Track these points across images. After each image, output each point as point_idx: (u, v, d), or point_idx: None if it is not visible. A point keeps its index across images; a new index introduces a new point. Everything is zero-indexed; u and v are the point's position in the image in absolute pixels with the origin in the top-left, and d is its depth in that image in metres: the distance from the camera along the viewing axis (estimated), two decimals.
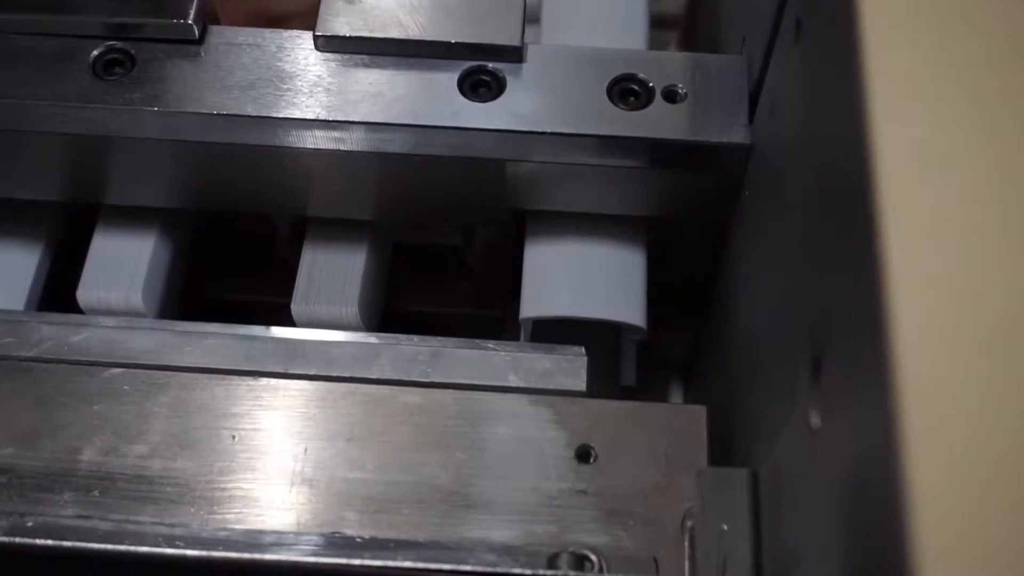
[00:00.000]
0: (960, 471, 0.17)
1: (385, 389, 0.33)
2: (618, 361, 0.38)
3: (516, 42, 0.33)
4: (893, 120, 0.20)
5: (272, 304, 0.39)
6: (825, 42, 0.24)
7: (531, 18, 0.50)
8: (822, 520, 0.22)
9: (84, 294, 0.36)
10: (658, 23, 0.48)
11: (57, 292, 0.38)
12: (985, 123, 0.19)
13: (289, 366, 0.34)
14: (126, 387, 0.33)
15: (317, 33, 0.33)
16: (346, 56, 0.33)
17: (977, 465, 0.17)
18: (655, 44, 0.48)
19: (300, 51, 0.33)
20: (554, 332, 0.36)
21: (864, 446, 0.19)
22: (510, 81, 0.33)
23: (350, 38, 0.33)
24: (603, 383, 0.37)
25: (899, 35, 0.21)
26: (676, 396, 0.44)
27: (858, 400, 0.20)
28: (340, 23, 0.33)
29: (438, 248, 0.41)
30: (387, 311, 0.40)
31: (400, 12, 0.33)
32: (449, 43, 0.33)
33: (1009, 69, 0.20)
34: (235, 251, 0.42)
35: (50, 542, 0.31)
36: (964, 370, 0.17)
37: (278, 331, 0.35)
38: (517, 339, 0.37)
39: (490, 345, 0.34)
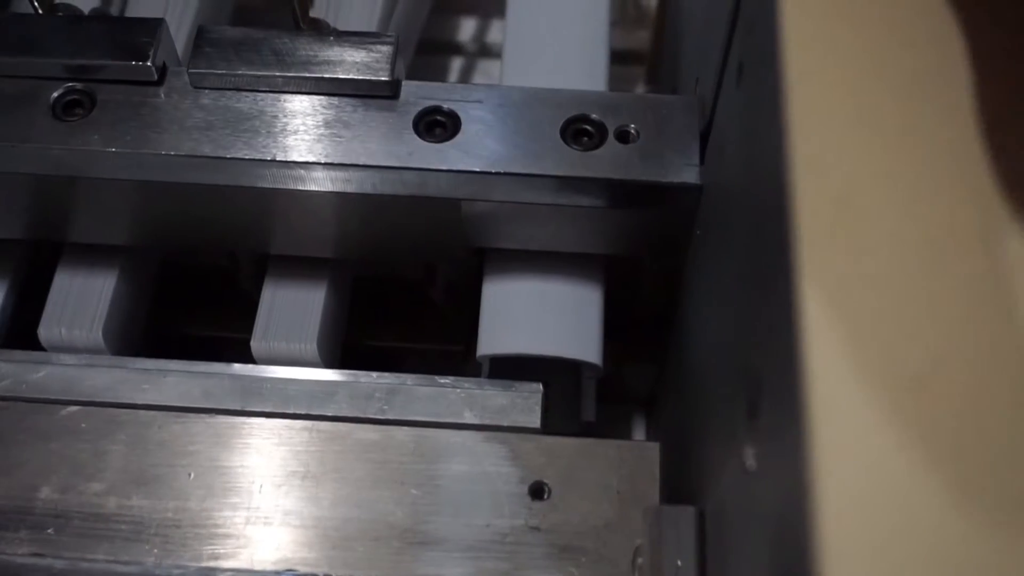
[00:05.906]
0: (869, 524, 0.17)
1: (342, 426, 0.34)
2: (578, 396, 0.39)
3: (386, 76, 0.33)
4: (813, 169, 0.20)
5: (235, 339, 0.39)
6: (760, 86, 0.25)
7: (496, 55, 0.50)
8: (754, 564, 0.22)
9: (46, 331, 0.37)
10: (624, 59, 0.49)
11: (20, 329, 0.38)
12: (902, 174, 0.20)
13: (246, 403, 0.34)
14: (83, 425, 0.34)
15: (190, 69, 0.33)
16: (302, 96, 0.33)
17: (886, 520, 0.17)
18: (621, 80, 0.49)
19: (257, 92, 0.34)
20: (515, 368, 0.36)
21: (786, 492, 0.19)
22: (465, 122, 0.33)
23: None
24: (564, 418, 0.37)
25: (823, 83, 0.21)
26: (639, 430, 0.44)
27: (782, 445, 0.20)
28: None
29: (401, 284, 0.42)
30: (350, 346, 0.40)
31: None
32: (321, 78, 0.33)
33: (925, 120, 0.20)
34: (198, 286, 0.42)
35: None
36: (875, 423, 0.18)
37: (237, 368, 0.35)
38: (480, 374, 0.37)
39: (446, 382, 0.35)
